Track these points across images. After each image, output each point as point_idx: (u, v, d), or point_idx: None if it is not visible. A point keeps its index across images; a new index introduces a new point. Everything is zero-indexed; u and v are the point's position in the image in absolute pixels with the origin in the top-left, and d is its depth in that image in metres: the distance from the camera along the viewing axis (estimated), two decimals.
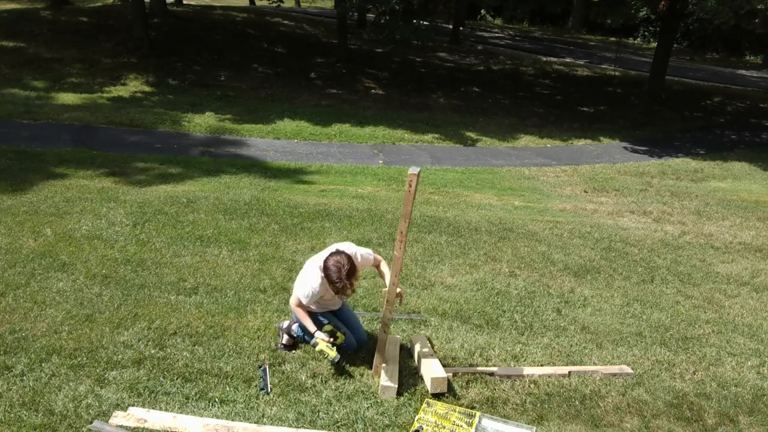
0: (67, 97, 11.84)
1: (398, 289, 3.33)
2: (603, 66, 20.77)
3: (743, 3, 11.38)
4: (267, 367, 3.16)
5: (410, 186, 2.98)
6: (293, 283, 3.68)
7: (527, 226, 6.72)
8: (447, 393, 3.26)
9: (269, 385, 3.07)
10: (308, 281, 3.41)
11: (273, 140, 10.67)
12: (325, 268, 3.30)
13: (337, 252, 3.35)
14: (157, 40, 15.56)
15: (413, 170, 2.97)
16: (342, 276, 3.24)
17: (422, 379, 3.38)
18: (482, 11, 29.44)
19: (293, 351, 3.58)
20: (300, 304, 3.45)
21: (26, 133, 9.33)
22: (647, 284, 5.28)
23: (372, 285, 4.60)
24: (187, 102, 12.49)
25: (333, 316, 3.66)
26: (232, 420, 2.92)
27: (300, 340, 3.62)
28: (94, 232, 5.29)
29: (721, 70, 23.99)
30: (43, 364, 3.23)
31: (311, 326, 3.45)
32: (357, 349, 3.64)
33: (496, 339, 3.96)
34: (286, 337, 3.62)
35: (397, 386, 3.20)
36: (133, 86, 13.09)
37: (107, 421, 2.81)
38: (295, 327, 3.59)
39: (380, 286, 4.08)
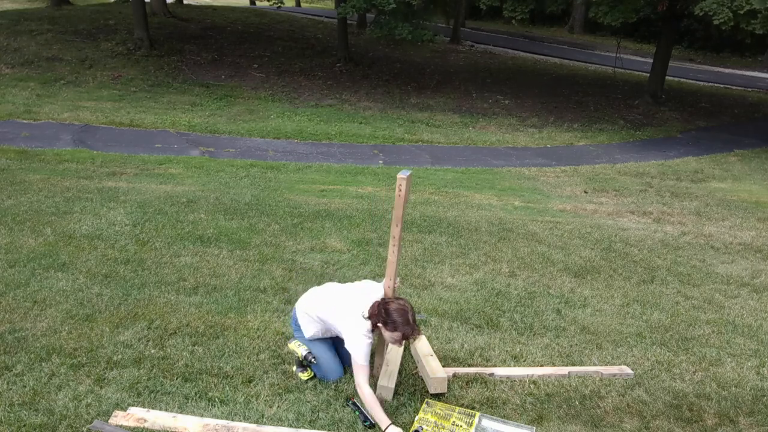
0: (68, 97, 11.85)
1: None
2: (603, 66, 20.78)
3: (743, 3, 11.38)
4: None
5: (400, 190, 2.90)
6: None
7: (527, 227, 6.72)
8: (447, 393, 3.26)
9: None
10: (358, 339, 3.02)
11: (273, 140, 10.68)
12: (391, 320, 2.97)
13: (392, 298, 3.09)
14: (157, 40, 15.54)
15: (403, 174, 2.89)
16: (410, 320, 2.97)
17: (422, 379, 3.38)
18: (482, 10, 29.43)
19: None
20: (366, 374, 2.99)
21: (26, 132, 9.34)
22: (647, 285, 5.28)
23: None
24: (187, 102, 12.51)
25: (330, 344, 3.37)
26: (232, 420, 2.92)
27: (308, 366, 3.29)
28: (94, 232, 5.29)
29: (721, 70, 24.01)
30: (43, 364, 3.23)
31: (384, 418, 2.86)
32: None
33: (496, 339, 3.96)
34: (298, 368, 3.32)
35: (394, 387, 3.20)
36: (133, 86, 13.10)
37: (107, 421, 2.81)
38: (308, 356, 3.24)
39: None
